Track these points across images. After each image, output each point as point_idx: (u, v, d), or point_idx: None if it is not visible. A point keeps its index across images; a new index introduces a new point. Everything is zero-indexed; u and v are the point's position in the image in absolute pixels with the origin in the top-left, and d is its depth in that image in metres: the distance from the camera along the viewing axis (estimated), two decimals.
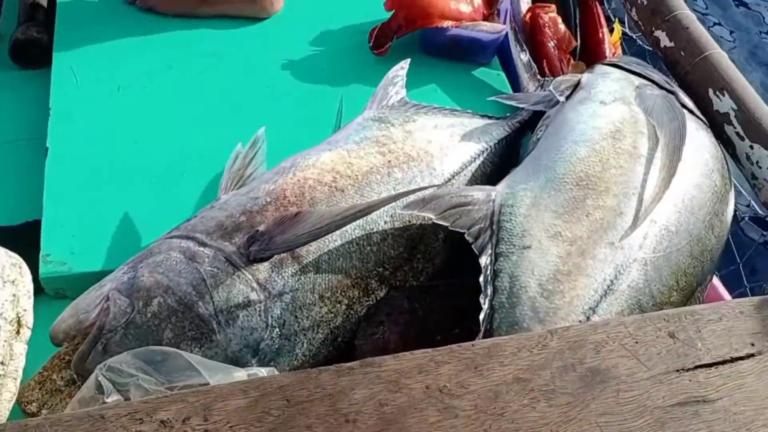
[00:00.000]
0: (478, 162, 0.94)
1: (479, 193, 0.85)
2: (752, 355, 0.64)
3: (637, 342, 0.62)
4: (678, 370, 0.61)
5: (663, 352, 0.61)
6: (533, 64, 1.19)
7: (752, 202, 1.08)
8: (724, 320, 0.65)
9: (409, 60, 1.04)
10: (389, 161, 0.89)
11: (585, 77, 1.05)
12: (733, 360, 0.63)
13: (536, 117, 1.05)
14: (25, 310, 0.73)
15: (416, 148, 0.91)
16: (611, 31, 1.34)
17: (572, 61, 1.25)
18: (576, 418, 0.56)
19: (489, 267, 0.79)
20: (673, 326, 0.64)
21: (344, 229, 0.76)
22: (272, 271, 0.77)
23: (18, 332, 0.72)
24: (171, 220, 0.84)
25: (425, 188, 0.84)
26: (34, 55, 1.11)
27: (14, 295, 0.73)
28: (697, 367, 0.62)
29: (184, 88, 1.07)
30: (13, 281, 0.73)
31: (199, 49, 1.12)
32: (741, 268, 1.10)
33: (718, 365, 0.62)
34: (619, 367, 0.60)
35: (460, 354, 0.59)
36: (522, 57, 1.20)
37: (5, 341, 0.69)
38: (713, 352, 0.63)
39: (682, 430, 0.57)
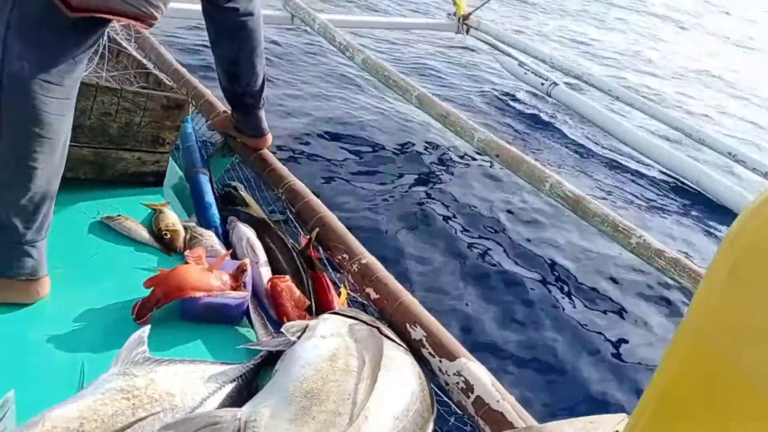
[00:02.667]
0: (214, 398, 1.13)
1: (227, 413, 1.03)
2: None
3: None
4: None
5: None
6: (269, 324, 1.47)
7: (453, 406, 1.39)
8: None
9: (148, 326, 1.24)
10: (133, 404, 1.04)
11: (312, 322, 1.35)
12: None
13: (270, 360, 1.30)
14: None
15: (158, 390, 1.08)
16: (339, 294, 1.71)
17: (308, 316, 1.57)
18: None
19: None
20: None
21: None
22: None
23: None
24: None
25: (162, 411, 1.01)
26: None
27: None
28: None
29: None
30: None
31: None
32: None
33: None
34: None
35: None
36: (259, 320, 1.48)
37: None
38: None
39: None
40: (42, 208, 1.26)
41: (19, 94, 1.15)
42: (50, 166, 1.24)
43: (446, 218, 3.31)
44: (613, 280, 3.24)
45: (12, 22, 1.12)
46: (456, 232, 3.23)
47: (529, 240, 3.35)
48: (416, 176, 3.67)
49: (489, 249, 3.20)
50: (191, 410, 1.07)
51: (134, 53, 2.15)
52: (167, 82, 1.95)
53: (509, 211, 3.56)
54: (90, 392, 1.04)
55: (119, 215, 1.69)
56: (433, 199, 3.47)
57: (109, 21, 1.20)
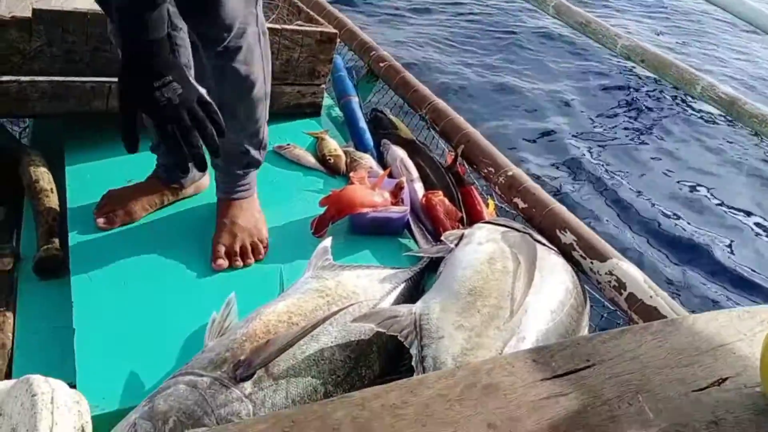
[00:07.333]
0: (390, 296, 1.32)
1: (404, 308, 1.21)
2: (589, 366, 0.97)
3: (513, 366, 0.95)
4: (541, 380, 0.93)
5: (530, 371, 0.94)
6: (427, 234, 1.63)
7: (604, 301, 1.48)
8: (568, 348, 0.99)
9: (331, 237, 1.46)
10: (328, 301, 1.24)
11: (467, 231, 1.49)
12: (576, 371, 0.96)
13: (432, 265, 1.46)
14: None
15: (346, 290, 1.28)
16: (487, 204, 1.82)
17: (461, 227, 1.70)
18: (480, 412, 0.87)
19: (417, 354, 1.11)
20: (534, 355, 0.97)
21: (303, 351, 1.09)
22: (255, 387, 1.05)
23: None
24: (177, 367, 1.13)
25: (353, 304, 1.20)
26: (53, 269, 1.44)
27: (82, 428, 0.95)
28: (554, 377, 0.94)
29: (173, 274, 1.42)
30: (78, 411, 0.96)
31: (174, 243, 1.51)
32: None
33: (568, 374, 0.95)
34: (504, 381, 0.92)
35: (401, 384, 0.90)
36: (419, 231, 1.65)
37: None
38: (563, 367, 0.96)
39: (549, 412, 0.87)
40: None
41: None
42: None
43: (580, 135, 3.31)
44: None
45: None
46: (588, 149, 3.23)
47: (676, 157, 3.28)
48: (555, 91, 3.65)
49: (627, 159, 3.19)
50: (373, 306, 1.25)
51: None
52: (317, 17, 2.10)
53: (650, 130, 3.49)
54: (292, 293, 1.25)
55: (288, 144, 1.90)
56: (571, 115, 3.46)
57: None
